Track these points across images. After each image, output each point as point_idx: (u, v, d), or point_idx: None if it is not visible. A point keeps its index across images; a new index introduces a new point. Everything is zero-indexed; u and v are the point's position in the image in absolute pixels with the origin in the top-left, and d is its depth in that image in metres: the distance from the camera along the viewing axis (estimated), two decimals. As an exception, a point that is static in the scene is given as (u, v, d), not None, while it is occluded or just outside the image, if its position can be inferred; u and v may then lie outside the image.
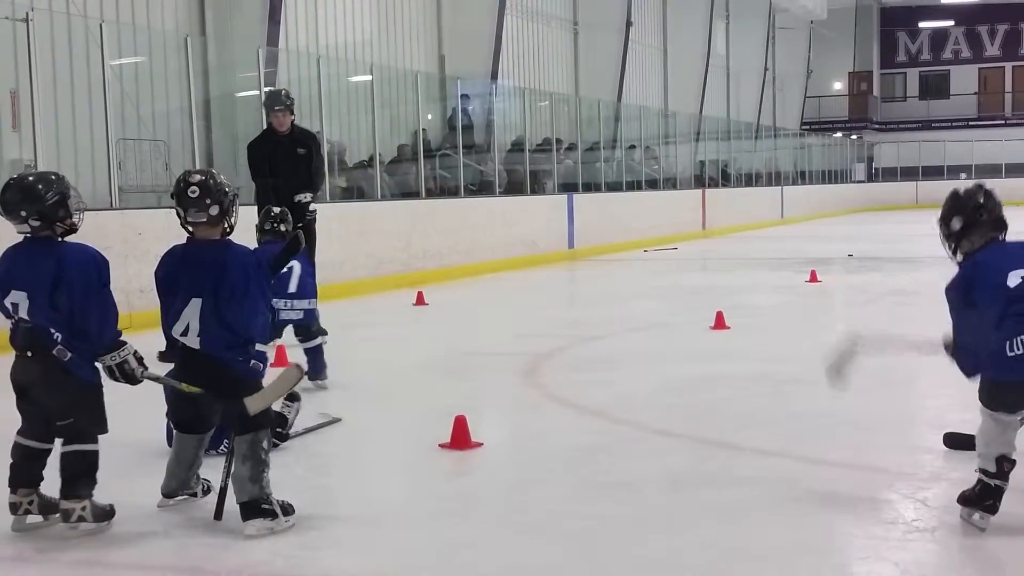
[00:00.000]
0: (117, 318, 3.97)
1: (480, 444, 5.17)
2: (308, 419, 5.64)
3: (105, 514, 3.98)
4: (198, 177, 4.06)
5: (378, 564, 3.75)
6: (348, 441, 5.50)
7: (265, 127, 8.86)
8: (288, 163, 8.55)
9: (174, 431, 4.32)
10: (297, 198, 8.39)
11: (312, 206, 8.58)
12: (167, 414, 4.86)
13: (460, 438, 5.15)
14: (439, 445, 5.17)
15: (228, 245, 4.09)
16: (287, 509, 4.01)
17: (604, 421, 5.87)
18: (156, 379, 4.10)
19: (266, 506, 3.95)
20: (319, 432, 5.54)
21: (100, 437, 4.00)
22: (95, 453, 3.97)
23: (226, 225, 4.09)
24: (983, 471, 3.82)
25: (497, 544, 3.87)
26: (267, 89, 9.02)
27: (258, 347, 4.12)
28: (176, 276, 4.07)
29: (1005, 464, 3.78)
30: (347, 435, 5.59)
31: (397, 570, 3.70)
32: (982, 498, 3.80)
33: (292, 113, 8.61)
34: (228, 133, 13.42)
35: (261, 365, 4.09)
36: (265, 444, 4.01)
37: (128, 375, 3.94)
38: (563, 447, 5.29)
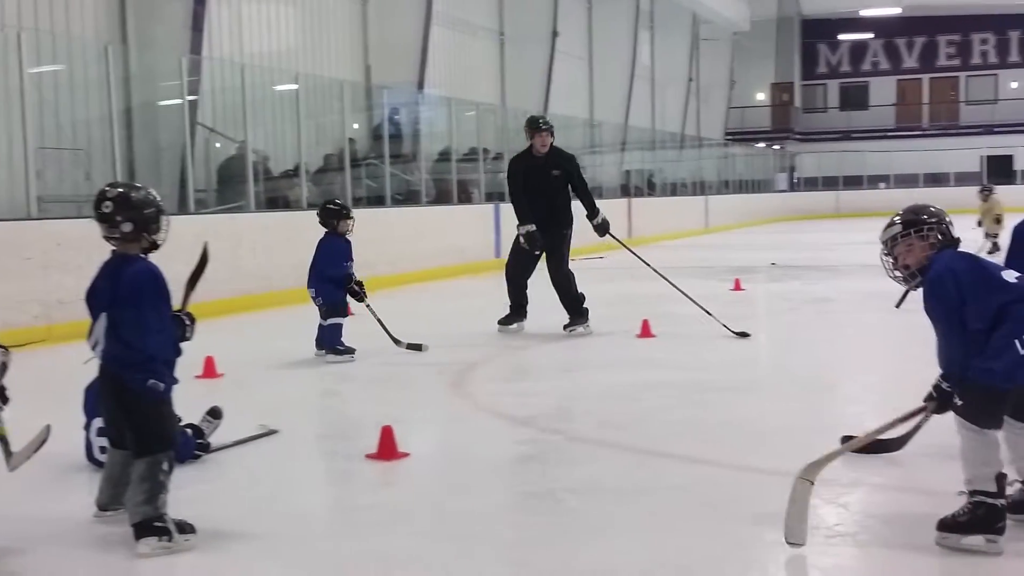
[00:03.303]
0: None
1: (407, 454, 5.15)
2: (246, 430, 5.60)
3: None
4: (115, 192, 4.00)
5: (305, 577, 3.72)
6: (274, 452, 5.44)
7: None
8: (542, 182, 9.36)
9: (107, 446, 4.26)
10: (594, 223, 9.45)
11: (599, 219, 9.49)
12: (85, 427, 4.82)
13: (387, 448, 5.12)
14: (366, 456, 5.14)
15: (129, 260, 4.00)
16: (184, 527, 3.91)
17: (533, 430, 5.87)
18: None
19: (159, 524, 3.86)
20: (247, 444, 5.47)
21: None
22: None
23: (148, 242, 4.02)
24: (984, 493, 3.64)
25: (426, 556, 3.84)
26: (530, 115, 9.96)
27: (165, 364, 4.01)
28: (92, 291, 4.02)
29: (1002, 480, 3.67)
30: (273, 446, 5.53)
31: (324, 583, 3.67)
32: (990, 521, 3.63)
33: (552, 135, 9.44)
34: (150, 142, 13.22)
35: (162, 385, 3.95)
36: (165, 466, 3.93)
37: None
38: (492, 457, 5.29)
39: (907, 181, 37.28)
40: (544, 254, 9.53)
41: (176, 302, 4.13)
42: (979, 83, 45.60)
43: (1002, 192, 19.43)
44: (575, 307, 9.46)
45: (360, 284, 8.24)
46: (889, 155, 39.80)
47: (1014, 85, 45.17)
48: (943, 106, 45.89)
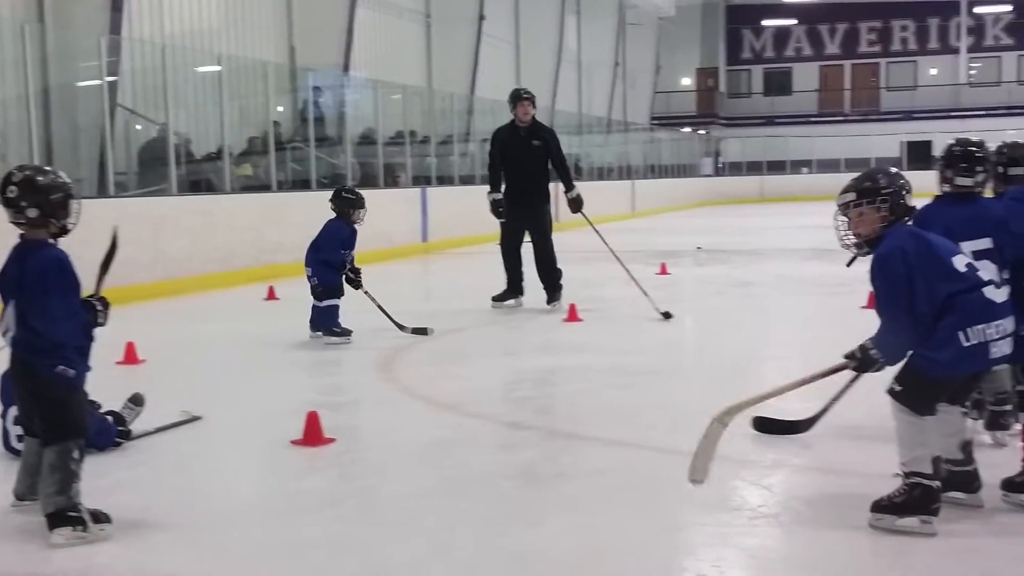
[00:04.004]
0: None
1: (333, 440, 5.11)
2: (168, 417, 5.51)
3: None
4: (20, 176, 3.90)
5: (229, 565, 3.67)
6: (198, 439, 5.37)
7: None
8: (523, 153, 9.72)
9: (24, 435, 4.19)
10: (569, 196, 9.79)
11: (574, 193, 9.84)
12: (1, 415, 4.73)
13: (312, 434, 5.08)
14: (291, 442, 5.09)
15: (37, 247, 3.90)
16: (99, 517, 3.84)
17: (459, 415, 5.86)
18: None
19: (73, 514, 3.78)
20: (170, 430, 5.40)
21: None
22: None
23: (57, 227, 3.92)
24: (919, 474, 3.67)
25: (352, 541, 3.82)
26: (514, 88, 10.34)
27: (77, 351, 3.90)
28: (1, 277, 3.93)
29: (938, 462, 3.71)
30: (197, 433, 5.46)
31: (250, 571, 3.63)
32: (926, 502, 3.67)
33: (534, 107, 9.84)
34: (68, 123, 12.94)
35: (72, 372, 3.85)
36: (76, 454, 3.84)
37: None
38: (418, 442, 5.27)
39: (829, 166, 37.78)
40: (528, 228, 9.93)
41: (90, 287, 4.04)
42: (899, 69, 46.40)
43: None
44: (555, 282, 9.83)
45: (357, 271, 8.23)
46: (812, 140, 40.36)
47: (933, 72, 46.04)
48: (864, 92, 46.63)
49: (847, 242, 3.95)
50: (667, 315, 8.95)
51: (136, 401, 5.25)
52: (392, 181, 17.82)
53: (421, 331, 8.30)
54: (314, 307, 8.20)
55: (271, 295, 11.01)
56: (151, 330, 8.49)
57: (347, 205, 8.27)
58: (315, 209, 14.45)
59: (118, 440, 4.99)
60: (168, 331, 9.05)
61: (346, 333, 8.13)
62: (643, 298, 9.25)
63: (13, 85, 11.30)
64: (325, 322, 8.14)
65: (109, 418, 4.98)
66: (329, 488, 4.58)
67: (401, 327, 8.29)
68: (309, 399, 5.86)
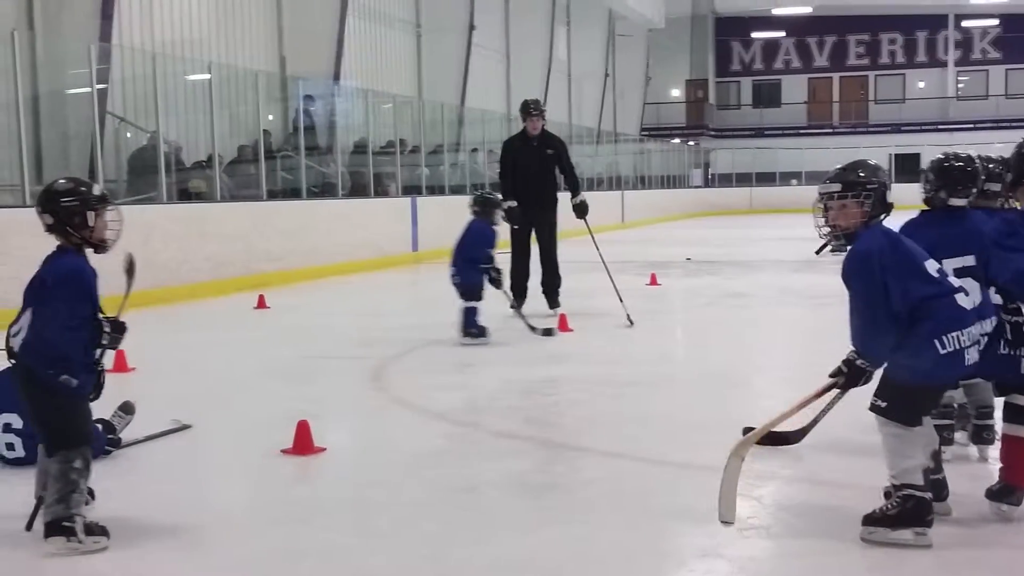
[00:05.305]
0: None
1: (323, 449, 5.11)
2: (158, 425, 5.51)
3: None
4: (51, 184, 3.99)
5: (219, 574, 3.66)
6: (188, 447, 5.37)
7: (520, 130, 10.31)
8: (535, 161, 10.03)
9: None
10: (574, 202, 10.10)
11: (579, 199, 10.13)
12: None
13: (303, 443, 5.08)
14: (281, 451, 5.08)
15: (60, 254, 3.94)
16: (93, 529, 3.80)
17: (449, 424, 5.86)
18: None
19: (67, 524, 3.76)
20: (160, 439, 5.38)
21: None
22: None
23: (78, 237, 3.93)
24: (911, 486, 3.66)
25: (342, 551, 3.82)
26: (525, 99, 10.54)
27: (83, 364, 3.90)
28: (29, 282, 3.94)
29: (928, 473, 3.71)
30: (188, 441, 5.45)
31: (239, 580, 3.62)
32: (920, 514, 3.66)
33: (544, 119, 10.17)
34: (58, 131, 12.92)
35: (75, 381, 3.83)
36: (77, 464, 3.82)
37: None
38: (408, 451, 5.27)
39: (818, 178, 37.25)
40: (536, 231, 10.20)
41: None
42: (887, 82, 46.60)
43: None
44: (557, 288, 10.18)
45: (498, 271, 8.45)
46: (801, 152, 40.43)
47: (921, 85, 46.25)
48: (853, 104, 46.82)
49: (824, 232, 3.94)
50: (630, 321, 9.19)
51: (126, 409, 5.25)
52: (382, 191, 17.82)
53: (548, 332, 8.73)
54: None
55: (261, 303, 10.99)
56: (141, 338, 8.38)
57: (490, 206, 8.61)
58: (305, 218, 14.59)
59: (108, 448, 4.98)
60: (158, 339, 9.02)
61: (482, 334, 8.32)
62: (633, 308, 9.27)
63: (2, 92, 11.26)
64: (463, 323, 8.31)
65: (99, 426, 4.96)
66: (319, 497, 4.57)
67: (532, 329, 8.64)
68: (300, 408, 5.84)
